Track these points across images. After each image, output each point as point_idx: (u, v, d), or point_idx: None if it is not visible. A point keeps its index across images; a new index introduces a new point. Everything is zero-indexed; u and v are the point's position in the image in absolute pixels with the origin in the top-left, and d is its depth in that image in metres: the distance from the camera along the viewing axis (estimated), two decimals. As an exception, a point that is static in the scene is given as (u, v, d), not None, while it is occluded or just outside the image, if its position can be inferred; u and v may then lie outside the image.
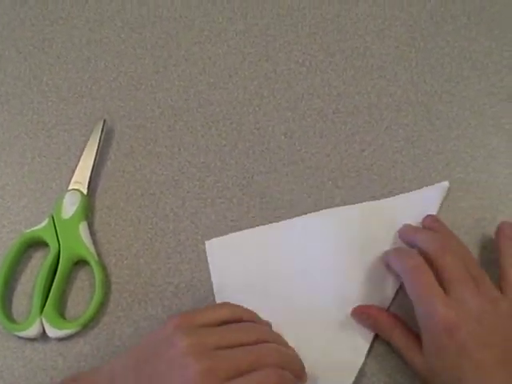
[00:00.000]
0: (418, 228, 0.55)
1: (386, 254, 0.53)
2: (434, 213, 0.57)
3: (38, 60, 0.69)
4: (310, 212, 0.59)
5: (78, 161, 0.61)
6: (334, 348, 0.52)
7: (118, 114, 0.66)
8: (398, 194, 0.60)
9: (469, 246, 0.57)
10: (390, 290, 0.54)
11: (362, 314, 0.53)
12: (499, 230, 0.55)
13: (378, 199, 0.60)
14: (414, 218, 0.56)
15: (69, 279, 0.57)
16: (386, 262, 0.53)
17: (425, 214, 0.56)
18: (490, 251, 0.58)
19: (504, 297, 0.48)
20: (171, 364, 0.43)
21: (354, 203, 0.60)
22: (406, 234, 0.55)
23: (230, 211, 0.60)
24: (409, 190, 0.61)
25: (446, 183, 0.60)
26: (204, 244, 0.58)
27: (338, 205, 0.60)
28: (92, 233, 0.59)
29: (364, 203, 0.59)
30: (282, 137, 0.64)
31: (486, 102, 0.66)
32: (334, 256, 0.56)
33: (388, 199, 0.60)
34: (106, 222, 0.60)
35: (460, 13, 0.71)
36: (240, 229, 0.59)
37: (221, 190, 0.61)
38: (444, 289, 0.47)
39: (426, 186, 0.61)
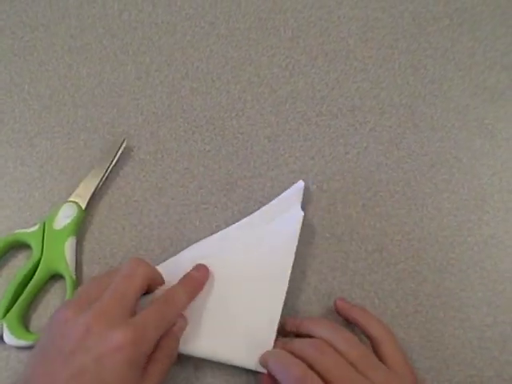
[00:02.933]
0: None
1: (265, 357, 0.49)
2: (299, 213, 0.56)
3: (19, 68, 0.69)
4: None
5: (87, 174, 0.61)
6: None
7: (100, 121, 0.65)
8: (383, 196, 0.60)
9: (455, 249, 0.57)
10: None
11: None
12: (341, 308, 0.54)
13: (364, 202, 0.60)
14: (279, 225, 0.56)
15: (41, 291, 0.56)
16: (262, 363, 0.50)
17: (288, 219, 0.56)
18: (477, 251, 0.58)
19: (394, 376, 0.47)
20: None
21: (338, 206, 0.60)
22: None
23: (215, 217, 0.60)
24: (394, 193, 0.60)
25: (301, 182, 0.59)
26: (189, 250, 0.58)
27: (322, 208, 0.60)
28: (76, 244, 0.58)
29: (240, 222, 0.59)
30: (266, 141, 0.64)
31: (470, 102, 0.66)
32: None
33: (254, 214, 0.59)
34: (89, 230, 0.59)
35: (442, 14, 0.71)
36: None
37: (205, 195, 0.61)
38: None
39: (412, 187, 0.61)
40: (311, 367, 0.46)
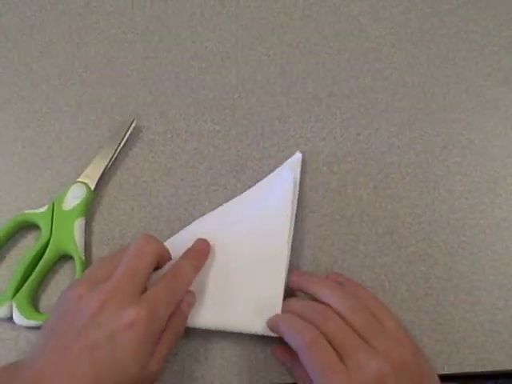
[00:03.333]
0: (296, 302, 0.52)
1: (275, 321, 0.50)
2: (296, 184, 0.56)
3: (26, 47, 0.68)
4: (306, 198, 0.59)
5: (95, 155, 0.60)
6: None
7: (108, 101, 0.64)
8: (394, 178, 0.60)
9: (466, 232, 0.57)
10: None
11: (279, 357, 0.52)
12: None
13: (375, 184, 0.59)
14: (277, 196, 0.56)
15: (50, 271, 0.56)
16: (272, 327, 0.50)
17: (281, 182, 0.56)
18: (489, 234, 0.57)
19: (396, 345, 0.46)
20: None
21: (349, 188, 0.59)
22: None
23: (224, 198, 0.59)
24: (405, 175, 0.60)
25: (298, 154, 0.60)
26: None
27: (333, 190, 0.59)
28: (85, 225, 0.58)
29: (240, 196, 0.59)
30: (276, 121, 0.63)
31: (483, 83, 0.65)
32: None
33: (253, 187, 0.59)
34: (98, 211, 0.59)
35: (456, -7, 0.70)
36: (234, 216, 0.58)
37: (214, 176, 0.60)
38: (340, 355, 0.45)
39: (423, 169, 0.60)
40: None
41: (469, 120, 0.63)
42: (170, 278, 0.48)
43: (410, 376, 0.45)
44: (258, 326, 0.51)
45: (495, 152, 0.61)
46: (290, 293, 0.53)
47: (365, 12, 0.69)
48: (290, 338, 0.48)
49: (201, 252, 0.53)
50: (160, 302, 0.46)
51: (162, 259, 0.50)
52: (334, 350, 0.45)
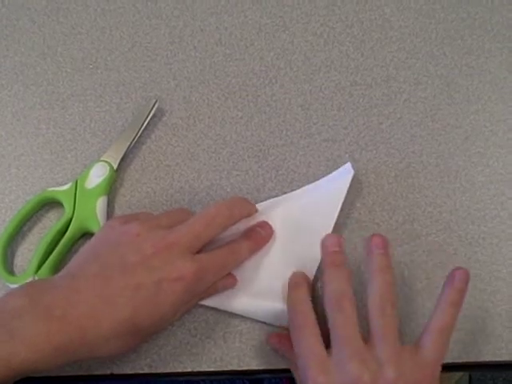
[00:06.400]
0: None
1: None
2: (342, 197, 0.56)
3: (52, 30, 0.69)
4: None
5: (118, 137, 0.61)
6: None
7: (132, 84, 0.65)
8: (416, 168, 0.60)
9: (487, 223, 0.57)
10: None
11: (273, 344, 0.53)
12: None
13: (396, 173, 0.60)
14: (322, 208, 0.56)
15: (72, 248, 0.57)
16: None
17: (332, 200, 0.56)
18: (510, 225, 0.57)
19: (393, 363, 0.45)
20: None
21: (370, 177, 0.59)
22: None
23: (246, 184, 0.60)
24: (427, 165, 0.60)
25: (350, 168, 0.57)
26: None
27: (354, 178, 0.58)
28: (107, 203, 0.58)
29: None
30: (299, 109, 0.63)
31: (507, 75, 0.64)
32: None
33: (298, 191, 0.59)
34: (120, 194, 0.60)
35: (482, -16, 0.70)
36: (255, 202, 0.58)
37: (236, 162, 0.61)
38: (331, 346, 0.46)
39: (445, 160, 0.60)
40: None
41: (492, 111, 0.63)
42: (226, 253, 0.51)
43: None
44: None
45: (517, 144, 0.61)
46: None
47: (389, 1, 0.69)
48: (288, 314, 0.50)
49: (262, 238, 0.54)
50: (211, 269, 0.48)
51: None
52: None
